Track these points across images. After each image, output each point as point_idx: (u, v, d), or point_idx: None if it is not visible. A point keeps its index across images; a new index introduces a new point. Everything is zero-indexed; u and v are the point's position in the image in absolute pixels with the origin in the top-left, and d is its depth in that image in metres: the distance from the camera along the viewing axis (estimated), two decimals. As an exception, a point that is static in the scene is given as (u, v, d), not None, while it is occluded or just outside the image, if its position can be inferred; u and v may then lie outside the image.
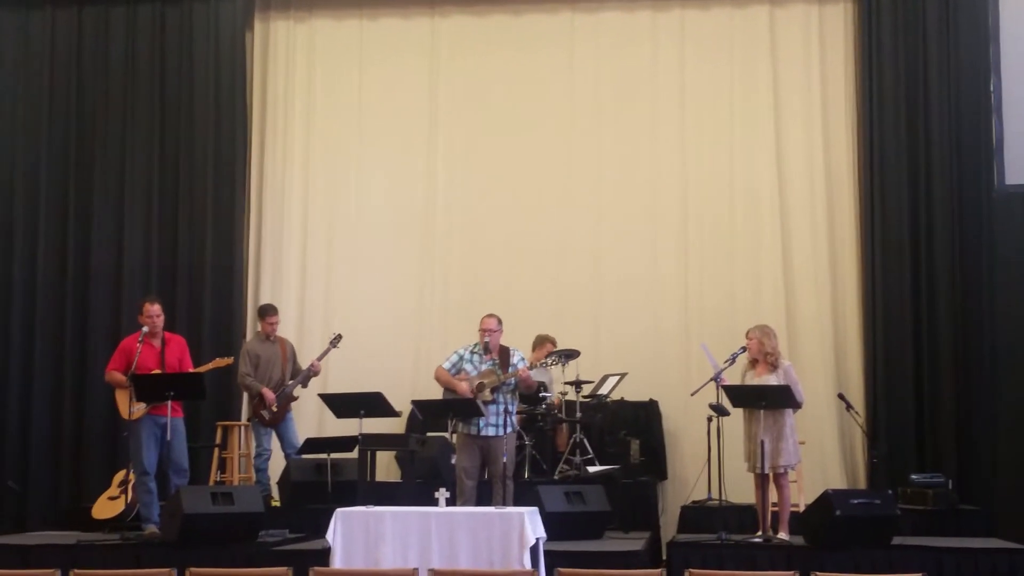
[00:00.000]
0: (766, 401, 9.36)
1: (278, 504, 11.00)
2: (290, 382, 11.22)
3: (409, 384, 12.03)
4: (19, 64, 12.97)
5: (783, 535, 9.50)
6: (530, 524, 8.25)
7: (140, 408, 9.91)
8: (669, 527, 11.14)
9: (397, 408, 10.50)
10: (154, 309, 10.13)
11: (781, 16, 12.68)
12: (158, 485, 10.04)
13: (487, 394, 9.72)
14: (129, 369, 9.94)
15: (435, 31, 13.07)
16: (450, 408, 9.81)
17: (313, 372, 11.24)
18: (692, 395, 10.35)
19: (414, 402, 10.23)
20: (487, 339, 9.90)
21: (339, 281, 12.86)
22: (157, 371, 10.02)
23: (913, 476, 10.85)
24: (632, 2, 12.86)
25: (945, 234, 11.83)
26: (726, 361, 9.80)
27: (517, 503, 9.25)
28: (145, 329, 10.07)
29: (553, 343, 11.53)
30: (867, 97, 12.16)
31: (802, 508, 10.07)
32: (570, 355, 11.21)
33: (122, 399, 10.06)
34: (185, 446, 10.19)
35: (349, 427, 10.35)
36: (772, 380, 9.47)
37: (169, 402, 9.70)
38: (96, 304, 12.55)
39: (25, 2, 12.97)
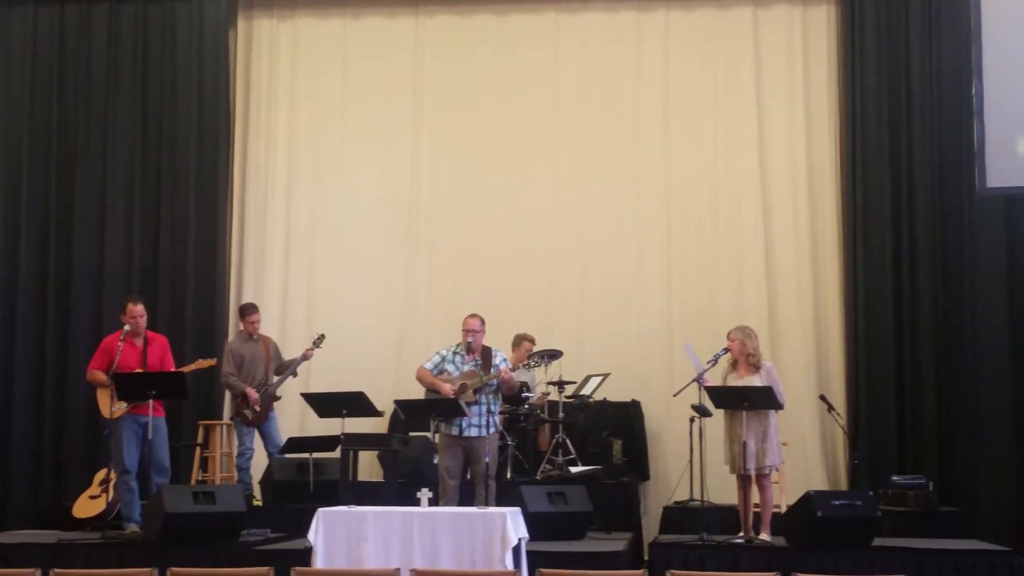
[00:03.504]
0: (748, 402, 9.37)
1: (260, 503, 10.99)
2: (275, 378, 11.20)
3: (392, 384, 11.97)
4: (0, 61, 12.90)
5: (765, 536, 9.52)
6: (512, 524, 8.24)
7: (121, 407, 9.87)
8: (651, 528, 11.16)
9: (380, 408, 10.48)
10: (137, 309, 10.10)
11: (765, 18, 12.71)
12: (139, 484, 10.01)
13: (469, 395, 9.72)
14: (111, 368, 9.91)
15: (419, 30, 13.06)
16: (433, 408, 9.81)
17: (305, 357, 11.25)
18: (675, 396, 10.34)
19: (396, 402, 10.22)
20: (470, 339, 9.89)
21: (322, 280, 12.84)
22: (139, 370, 9.99)
23: (894, 477, 10.89)
24: (616, 2, 12.88)
25: (927, 236, 11.88)
26: (708, 362, 9.80)
27: (499, 503, 9.25)
28: (127, 328, 10.05)
29: (531, 341, 11.54)
30: (850, 99, 12.21)
31: (784, 509, 10.09)
32: (553, 355, 11.23)
33: (103, 398, 10.02)
34: (167, 445, 10.16)
35: (331, 427, 10.33)
36: (755, 381, 9.49)
37: (151, 401, 9.67)
38: (78, 303, 12.49)
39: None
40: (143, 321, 10.15)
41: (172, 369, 10.22)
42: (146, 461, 9.88)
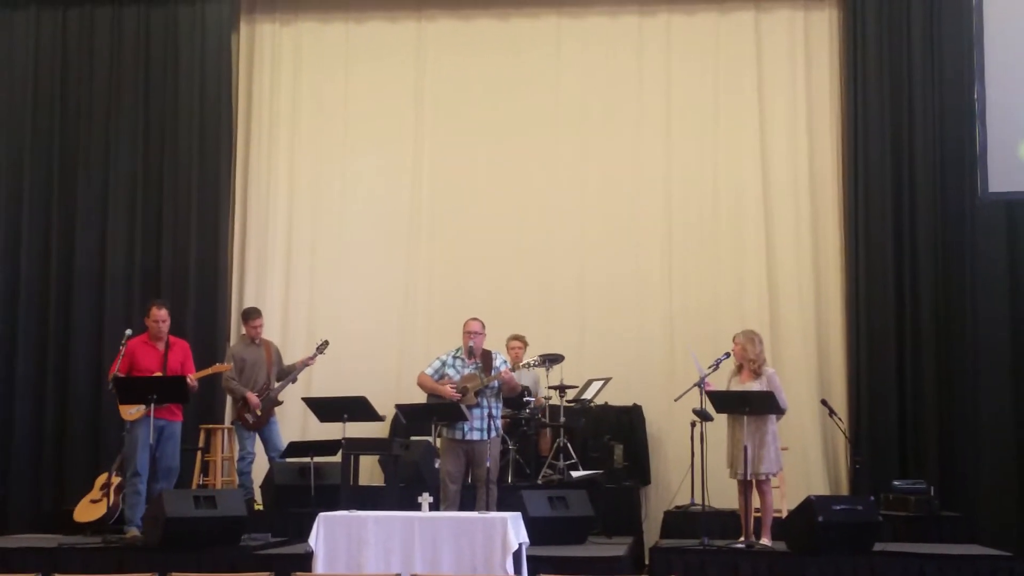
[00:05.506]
0: (749, 407, 9.37)
1: (261, 508, 10.98)
2: (276, 385, 11.20)
3: (393, 388, 11.97)
4: (2, 64, 12.91)
5: (765, 541, 9.51)
6: (513, 529, 8.23)
7: (139, 409, 9.87)
8: (652, 532, 11.12)
9: (381, 412, 10.48)
10: (161, 314, 10.14)
11: (766, 22, 12.72)
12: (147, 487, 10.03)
13: (471, 397, 9.72)
14: (130, 371, 9.93)
15: (421, 34, 13.09)
16: (434, 412, 9.81)
17: (306, 364, 11.29)
18: (676, 400, 10.35)
19: (398, 406, 10.22)
20: (471, 342, 9.88)
21: (323, 284, 12.85)
22: (159, 373, 10.00)
23: (895, 482, 10.89)
24: (618, 7, 12.89)
25: (928, 241, 11.87)
26: (710, 367, 9.80)
27: (500, 508, 9.24)
28: (128, 332, 10.07)
29: (520, 340, 11.51)
30: (851, 103, 12.21)
31: (785, 514, 10.08)
32: (554, 359, 11.22)
33: None
34: (177, 450, 10.18)
35: (333, 431, 10.35)
36: (756, 387, 9.48)
37: (154, 405, 9.63)
38: (79, 307, 12.50)
39: (9, 2, 12.91)
40: (165, 327, 10.17)
41: (192, 374, 10.21)
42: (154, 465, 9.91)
